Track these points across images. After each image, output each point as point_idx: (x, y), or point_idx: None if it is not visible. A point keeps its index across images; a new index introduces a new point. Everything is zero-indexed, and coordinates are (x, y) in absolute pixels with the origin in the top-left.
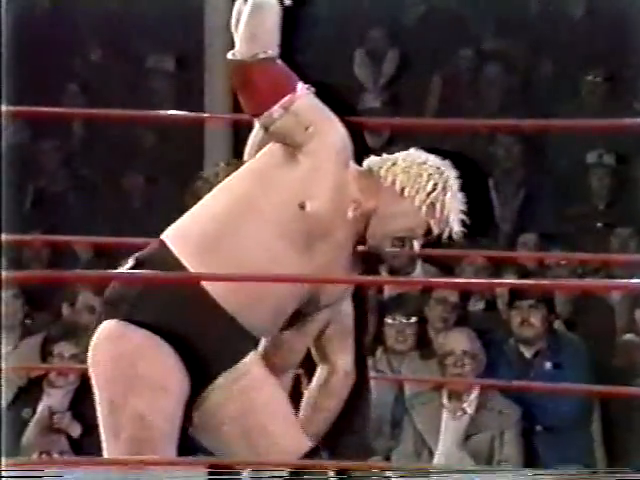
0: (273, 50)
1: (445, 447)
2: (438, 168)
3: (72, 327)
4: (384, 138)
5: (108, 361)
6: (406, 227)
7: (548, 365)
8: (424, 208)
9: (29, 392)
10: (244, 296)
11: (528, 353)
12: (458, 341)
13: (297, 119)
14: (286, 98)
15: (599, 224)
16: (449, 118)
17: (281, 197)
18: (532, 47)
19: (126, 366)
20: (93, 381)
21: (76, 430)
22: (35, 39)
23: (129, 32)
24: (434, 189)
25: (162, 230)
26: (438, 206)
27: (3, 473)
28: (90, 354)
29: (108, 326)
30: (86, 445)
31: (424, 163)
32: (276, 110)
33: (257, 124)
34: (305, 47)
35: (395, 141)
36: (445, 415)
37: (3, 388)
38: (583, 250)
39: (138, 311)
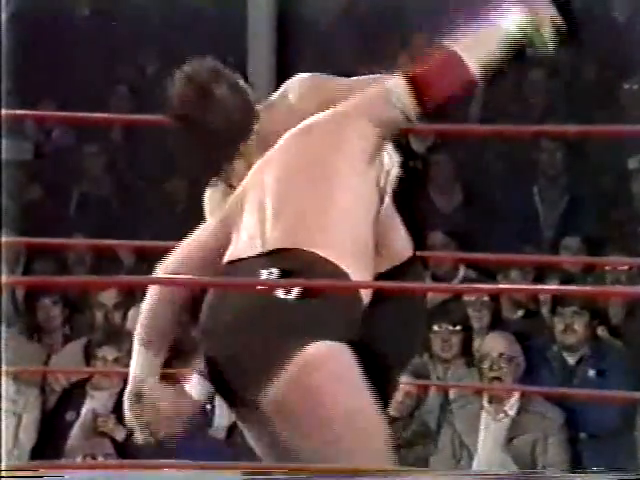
0: None
1: (486, 449)
2: None
3: (115, 331)
4: (428, 142)
5: (334, 382)
6: None
7: (592, 372)
8: None
9: (73, 395)
10: None
11: (571, 360)
12: (495, 344)
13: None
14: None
15: None
16: (492, 123)
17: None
18: (576, 52)
19: (351, 384)
20: (306, 403)
21: (120, 433)
22: (83, 42)
23: (175, 36)
24: None
25: None
26: None
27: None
28: (296, 378)
29: (320, 349)
30: (130, 448)
31: None
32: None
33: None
34: (347, 51)
35: (438, 145)
36: (485, 417)
37: (37, 390)
38: (628, 255)
39: (334, 330)
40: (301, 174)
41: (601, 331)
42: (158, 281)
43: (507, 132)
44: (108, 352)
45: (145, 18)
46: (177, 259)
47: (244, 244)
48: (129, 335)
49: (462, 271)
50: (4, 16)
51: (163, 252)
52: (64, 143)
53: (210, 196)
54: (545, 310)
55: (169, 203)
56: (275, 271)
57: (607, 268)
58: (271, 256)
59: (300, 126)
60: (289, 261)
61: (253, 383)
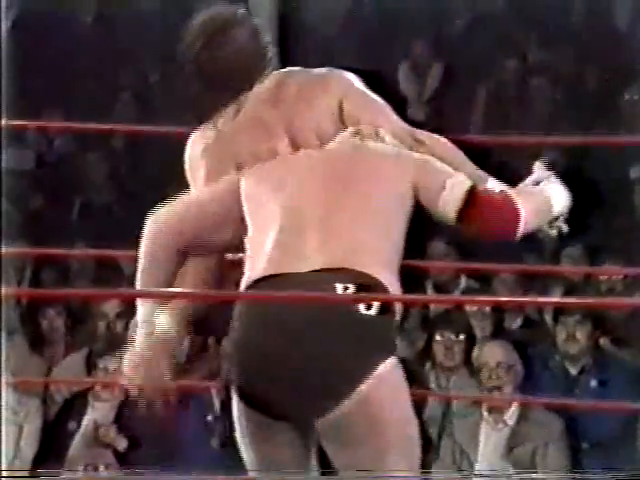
0: None
1: (486, 459)
2: None
3: (117, 341)
4: None
5: (406, 396)
6: None
7: (594, 382)
8: None
9: (74, 405)
10: None
11: (573, 370)
12: (492, 353)
13: None
14: None
15: None
16: (494, 130)
17: None
18: (577, 59)
19: (406, 395)
20: (368, 415)
21: (122, 443)
22: (87, 49)
23: (177, 41)
24: None
25: None
26: None
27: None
28: (367, 393)
29: (393, 363)
30: (132, 458)
31: None
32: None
33: None
34: (349, 60)
35: None
36: (485, 427)
37: (38, 401)
38: (627, 263)
39: (396, 344)
40: (353, 198)
41: (603, 341)
42: (160, 294)
43: (509, 142)
44: (110, 362)
45: (147, 24)
46: (175, 211)
47: (287, 258)
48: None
49: (464, 281)
50: (6, 23)
51: None
52: (66, 151)
53: (196, 139)
54: (548, 318)
55: None
56: (351, 286)
57: (602, 277)
58: (331, 273)
59: (355, 148)
60: (353, 279)
61: (325, 399)
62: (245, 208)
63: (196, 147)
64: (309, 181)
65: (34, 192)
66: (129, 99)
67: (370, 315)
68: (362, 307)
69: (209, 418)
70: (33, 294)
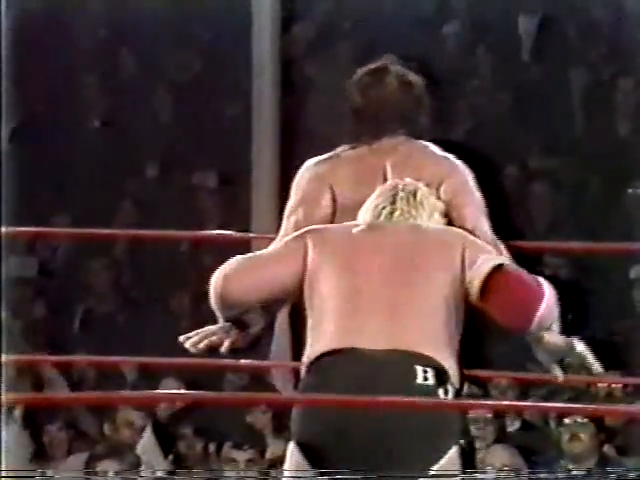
0: None
1: None
2: None
3: (116, 445)
4: None
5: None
6: None
7: None
8: None
9: None
10: None
11: (579, 474)
12: (497, 456)
13: None
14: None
15: None
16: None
17: None
18: (579, 165)
19: None
20: None
21: None
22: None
23: (181, 148)
24: None
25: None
26: None
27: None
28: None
29: (456, 454)
30: None
31: None
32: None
33: None
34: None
35: None
36: None
37: None
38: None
39: None
40: (416, 283)
41: (607, 448)
42: (160, 398)
43: (510, 247)
44: (109, 466)
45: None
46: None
47: (352, 334)
48: (131, 448)
49: (465, 387)
50: (6, 130)
51: (166, 368)
52: (69, 258)
53: (319, 167)
54: (552, 421)
55: (173, 319)
56: (430, 370)
57: (600, 385)
58: (403, 354)
59: (413, 231)
60: (427, 363)
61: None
62: (307, 279)
63: (313, 168)
64: (374, 264)
65: (36, 300)
66: (130, 207)
67: (448, 400)
68: (441, 392)
69: None
70: (35, 401)
